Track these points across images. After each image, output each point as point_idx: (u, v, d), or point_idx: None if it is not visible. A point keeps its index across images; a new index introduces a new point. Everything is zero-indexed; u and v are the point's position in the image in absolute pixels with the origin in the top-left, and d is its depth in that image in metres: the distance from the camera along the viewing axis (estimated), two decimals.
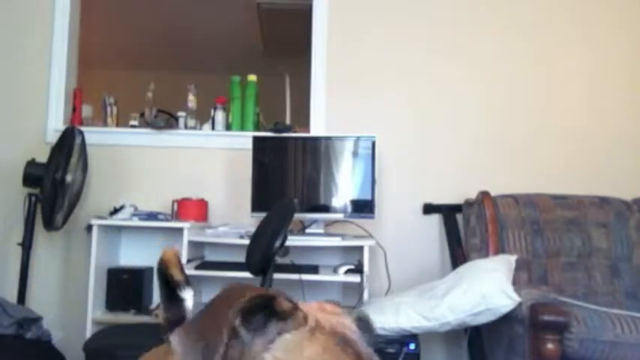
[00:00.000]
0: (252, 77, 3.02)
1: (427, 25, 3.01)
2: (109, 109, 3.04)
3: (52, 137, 2.81)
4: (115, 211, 2.74)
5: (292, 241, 2.34)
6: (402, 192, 2.90)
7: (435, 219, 2.89)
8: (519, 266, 2.33)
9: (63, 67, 2.96)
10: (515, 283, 2.11)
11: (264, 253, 1.94)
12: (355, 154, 2.67)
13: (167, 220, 2.71)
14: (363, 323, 0.55)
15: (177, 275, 0.60)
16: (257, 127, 3.01)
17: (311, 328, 0.51)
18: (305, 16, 3.17)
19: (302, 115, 3.05)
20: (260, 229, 2.09)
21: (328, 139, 2.71)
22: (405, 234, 2.87)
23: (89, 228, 2.65)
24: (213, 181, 2.92)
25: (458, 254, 2.69)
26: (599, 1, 3.03)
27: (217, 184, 2.92)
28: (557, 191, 2.69)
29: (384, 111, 2.96)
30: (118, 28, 4.87)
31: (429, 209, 2.88)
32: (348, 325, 0.54)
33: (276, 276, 2.08)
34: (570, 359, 1.84)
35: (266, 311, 0.50)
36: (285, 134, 2.81)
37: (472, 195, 2.69)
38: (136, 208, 2.75)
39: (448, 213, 2.84)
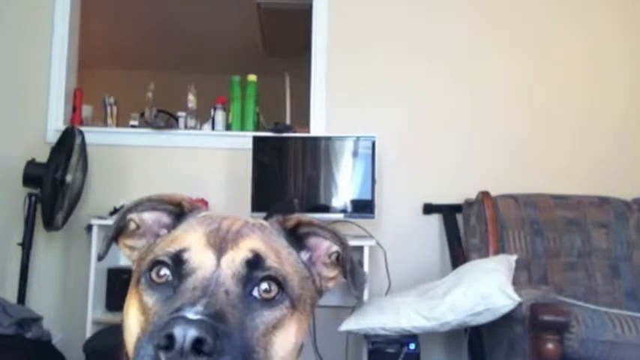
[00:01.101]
0: (252, 77, 3.01)
1: (427, 24, 3.01)
2: (109, 109, 3.03)
3: (52, 137, 2.81)
4: (115, 211, 2.73)
5: None
6: (402, 192, 2.90)
7: (435, 219, 2.89)
8: (519, 266, 2.33)
9: (63, 67, 2.95)
10: (515, 283, 2.11)
11: None
12: (355, 154, 2.66)
13: None
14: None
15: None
16: (257, 127, 3.01)
17: (197, 218, 0.74)
18: (305, 15, 3.17)
19: (302, 115, 3.05)
20: None
21: (328, 139, 2.71)
22: (405, 234, 2.86)
23: (89, 228, 2.65)
24: (213, 181, 2.92)
25: (458, 254, 2.69)
26: None
27: (217, 184, 2.92)
28: (557, 191, 2.69)
29: (384, 111, 2.96)
30: (118, 28, 4.87)
31: (429, 209, 2.88)
32: (225, 227, 0.70)
33: None
34: (570, 359, 1.84)
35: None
36: (285, 134, 2.80)
37: (472, 195, 2.69)
38: None
39: (448, 213, 2.84)
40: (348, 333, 2.31)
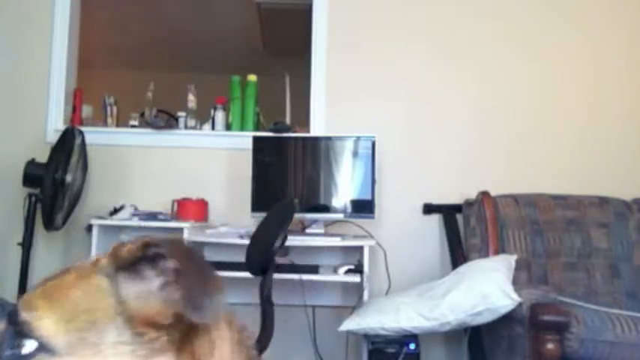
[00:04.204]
0: (252, 77, 3.02)
1: (426, 25, 3.01)
2: (109, 109, 3.04)
3: (52, 137, 2.81)
4: (115, 211, 2.73)
5: (292, 241, 2.34)
6: (402, 192, 2.90)
7: (435, 219, 2.89)
8: (519, 266, 2.33)
9: (63, 67, 2.95)
10: (515, 283, 2.11)
11: (264, 253, 1.94)
12: (355, 154, 2.67)
13: (167, 220, 2.70)
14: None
15: None
16: (257, 127, 3.01)
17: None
18: (305, 15, 3.17)
19: (302, 115, 3.05)
20: (260, 229, 2.09)
21: (328, 139, 2.71)
22: (405, 234, 2.86)
23: (89, 228, 2.65)
24: (213, 181, 2.92)
25: (458, 254, 2.69)
26: None
27: (217, 184, 2.92)
28: (557, 191, 2.69)
29: (384, 111, 2.96)
30: (118, 29, 4.87)
31: (429, 209, 2.88)
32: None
33: (276, 276, 2.08)
34: (570, 359, 1.84)
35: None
36: (285, 134, 2.80)
37: (472, 195, 2.69)
38: (136, 208, 2.75)
39: (448, 213, 2.84)
40: (348, 333, 2.31)
